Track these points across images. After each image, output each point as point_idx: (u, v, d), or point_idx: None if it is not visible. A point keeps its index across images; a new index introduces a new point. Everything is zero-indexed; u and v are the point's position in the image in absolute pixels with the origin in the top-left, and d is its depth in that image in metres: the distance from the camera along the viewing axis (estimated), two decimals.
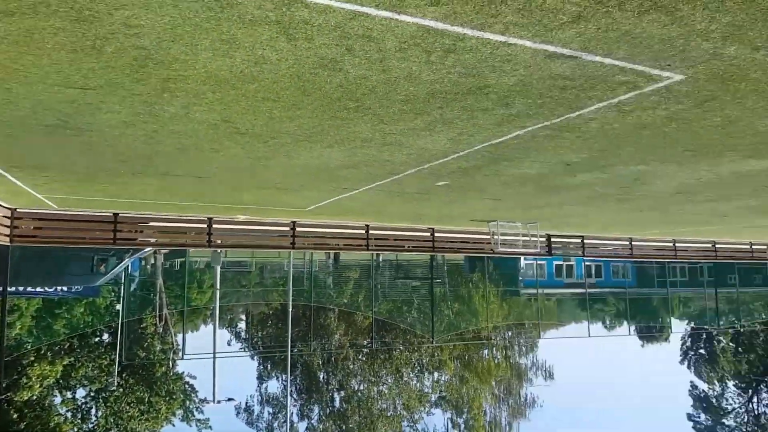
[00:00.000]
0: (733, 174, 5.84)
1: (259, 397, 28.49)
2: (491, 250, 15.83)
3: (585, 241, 17.22)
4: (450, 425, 29.57)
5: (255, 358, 29.44)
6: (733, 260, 19.91)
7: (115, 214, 12.15)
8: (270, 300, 30.31)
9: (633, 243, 17.51)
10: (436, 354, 30.39)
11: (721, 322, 33.70)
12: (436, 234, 15.54)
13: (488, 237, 15.79)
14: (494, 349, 33.01)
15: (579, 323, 34.51)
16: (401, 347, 28.74)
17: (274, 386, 28.85)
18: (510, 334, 33.93)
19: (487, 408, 30.84)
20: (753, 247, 18.95)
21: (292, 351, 22.27)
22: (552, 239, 16.70)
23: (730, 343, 36.41)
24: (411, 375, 30.26)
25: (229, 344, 28.88)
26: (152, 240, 13.67)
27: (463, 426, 29.81)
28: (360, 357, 29.88)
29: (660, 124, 4.05)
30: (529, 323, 33.55)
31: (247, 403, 28.10)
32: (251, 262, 29.89)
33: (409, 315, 28.95)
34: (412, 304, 29.11)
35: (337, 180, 7.42)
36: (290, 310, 21.42)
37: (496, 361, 32.71)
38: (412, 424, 28.52)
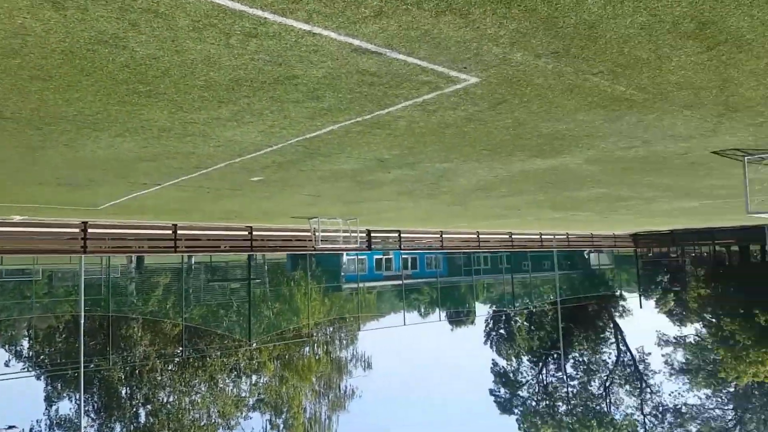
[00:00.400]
0: (522, 172, 6.46)
1: (48, 421, 25.15)
2: (313, 247, 15.82)
3: (402, 235, 18.07)
4: (269, 426, 29.11)
5: (42, 377, 25.86)
6: (526, 249, 22.54)
7: None
8: (60, 312, 26.81)
9: (444, 236, 18.84)
10: (255, 356, 29.64)
11: (517, 304, 38.10)
12: (254, 232, 15.06)
13: (309, 234, 15.77)
14: (315, 345, 33.27)
15: (397, 313, 36.41)
16: (217, 353, 27.47)
17: (66, 407, 25.61)
18: (331, 329, 34.48)
19: (307, 405, 31.01)
20: (542, 237, 21.63)
21: (87, 366, 19.93)
22: (372, 234, 17.24)
23: (525, 323, 41.29)
24: (227, 381, 29.10)
25: (7, 365, 24.97)
26: None
27: (282, 426, 29.55)
28: (169, 367, 27.88)
29: (461, 124, 4.26)
30: (350, 317, 34.45)
31: (32, 429, 24.62)
32: (36, 270, 26.13)
33: (227, 319, 27.79)
34: (231, 307, 28.00)
35: (134, 174, 6.69)
36: (82, 321, 19.12)
37: (317, 357, 32.97)
38: (228, 431, 27.47)
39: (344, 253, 30.89)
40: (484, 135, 4.63)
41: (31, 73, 3.22)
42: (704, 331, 33.03)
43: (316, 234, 13.61)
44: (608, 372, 38.58)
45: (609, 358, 39.45)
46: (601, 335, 39.80)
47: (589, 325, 39.16)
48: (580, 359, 39.51)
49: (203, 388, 28.40)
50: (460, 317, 39.63)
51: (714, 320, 30.24)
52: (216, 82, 3.39)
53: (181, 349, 27.05)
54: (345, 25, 2.56)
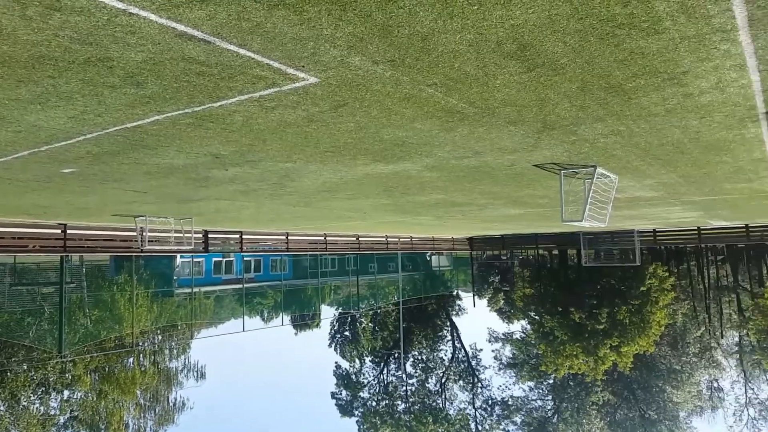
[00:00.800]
0: (366, 175, 6.52)
1: None
2: (139, 248, 14.62)
3: (244, 236, 17.44)
4: None
5: None
6: (373, 251, 23.06)
7: None
8: None
9: (289, 237, 18.54)
10: (68, 369, 26.64)
11: (362, 306, 38.90)
12: (69, 231, 13.47)
13: (136, 234, 14.52)
14: (141, 355, 30.89)
15: (237, 319, 35.19)
16: (21, 367, 24.20)
17: None
18: (160, 337, 32.26)
19: (130, 420, 28.72)
20: (388, 239, 22.27)
21: None
22: (210, 235, 16.39)
23: (369, 324, 42.29)
24: (32, 398, 25.79)
25: None
26: None
27: None
28: None
29: (302, 124, 4.14)
30: (183, 324, 32.51)
31: None
32: None
33: (35, 327, 24.58)
34: (41, 315, 24.82)
35: None
36: None
37: (142, 369, 30.63)
38: None
39: (178, 255, 29.11)
40: (327, 136, 4.55)
41: None
42: (529, 327, 36.51)
43: (143, 234, 12.55)
44: (444, 369, 41.02)
45: (445, 355, 42.03)
46: (439, 333, 42.23)
47: (428, 324, 41.33)
48: (419, 357, 41.54)
49: (1, 408, 24.83)
50: (305, 321, 39.45)
51: (537, 318, 33.54)
52: (12, 57, 2.88)
53: None
54: (166, 8, 2.30)
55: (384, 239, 22.29)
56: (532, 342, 34.27)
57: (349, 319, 42.12)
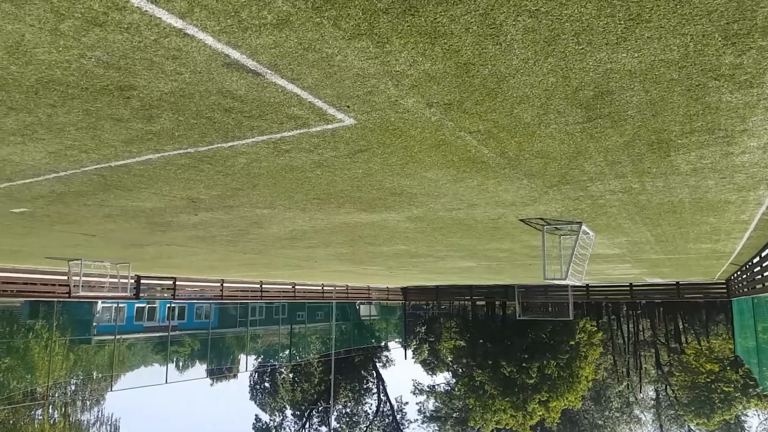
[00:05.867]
0: (342, 224, 6.32)
1: None
2: (68, 293, 13.49)
3: (177, 282, 16.53)
4: None
5: None
6: (307, 300, 22.46)
7: None
8: None
9: (224, 284, 17.75)
10: None
11: (284, 356, 37.52)
12: None
13: (63, 277, 13.41)
14: (51, 407, 28.15)
15: (154, 368, 32.93)
16: None
17: None
18: (74, 388, 29.65)
19: None
20: (324, 287, 21.78)
21: None
22: (142, 281, 15.40)
23: (289, 374, 40.72)
24: None
25: None
26: None
27: None
28: None
29: (307, 169, 3.94)
30: (99, 374, 30.08)
31: None
32: None
33: None
34: None
35: None
36: None
37: (51, 422, 27.88)
38: None
39: (99, 301, 27.18)
40: (325, 184, 4.36)
41: None
42: (453, 380, 36.35)
43: (76, 278, 11.61)
44: (369, 423, 39.93)
45: (371, 408, 40.98)
46: (366, 386, 41.26)
47: (354, 375, 40.36)
48: (344, 411, 40.29)
49: None
50: (223, 371, 37.51)
51: (465, 370, 33.43)
52: (14, 80, 2.54)
53: None
54: (231, 30, 2.10)
55: (320, 287, 21.82)
56: (457, 395, 34.09)
57: (269, 370, 40.48)
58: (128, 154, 3.70)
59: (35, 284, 13.27)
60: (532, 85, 2.47)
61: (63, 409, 28.93)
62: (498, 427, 29.60)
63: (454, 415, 34.33)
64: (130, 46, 2.22)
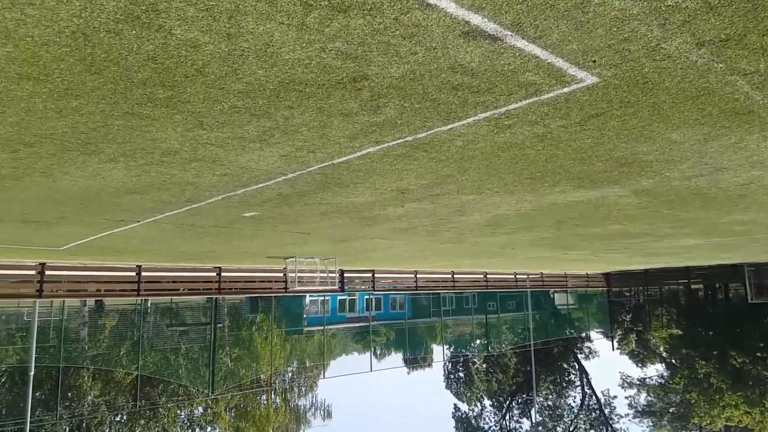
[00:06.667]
0: (551, 205, 5.94)
1: None
2: (285, 288, 14.90)
3: (375, 275, 17.34)
4: None
5: None
6: (500, 289, 22.12)
7: None
8: (3, 357, 24.62)
9: (418, 275, 18.20)
10: (209, 407, 27.85)
11: (475, 346, 37.44)
12: (222, 273, 14.06)
13: (279, 274, 14.86)
14: (273, 393, 31.63)
15: (355, 356, 35.17)
16: (170, 404, 25.61)
17: None
18: (290, 375, 32.98)
19: None
20: (516, 276, 21.26)
21: (30, 420, 18.03)
22: (345, 274, 16.45)
23: (483, 365, 40.54)
24: None
25: None
26: None
27: None
28: (119, 420, 25.85)
29: (527, 145, 3.68)
30: (311, 363, 33.05)
31: None
32: None
33: (180, 366, 26.04)
34: (188, 354, 26.28)
35: (114, 210, 5.82)
36: (32, 374, 17.36)
37: (274, 407, 31.29)
38: None
39: (307, 294, 29.80)
40: (543, 160, 4.06)
41: (21, 69, 2.45)
42: (668, 372, 32.97)
43: (291, 275, 12.75)
44: (573, 416, 38.07)
45: (574, 401, 39.04)
46: (567, 378, 39.42)
47: (554, 367, 38.78)
48: (545, 403, 38.92)
49: None
50: (419, 361, 38.64)
51: (684, 362, 30.10)
52: (260, 85, 2.69)
53: (132, 402, 25.12)
54: None
55: (513, 276, 21.28)
56: (675, 388, 30.72)
57: (462, 360, 40.67)
58: (350, 150, 3.79)
59: (254, 281, 14.89)
60: None
61: (283, 395, 32.33)
62: (729, 424, 26.15)
63: (671, 410, 31.16)
64: (370, 29, 2.18)
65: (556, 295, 38.33)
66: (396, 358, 36.50)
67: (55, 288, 11.10)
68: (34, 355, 17.09)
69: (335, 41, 2.27)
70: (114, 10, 2.02)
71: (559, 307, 39.83)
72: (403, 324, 34.41)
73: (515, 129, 3.35)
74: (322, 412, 33.68)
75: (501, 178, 4.67)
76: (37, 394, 22.34)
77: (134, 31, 2.18)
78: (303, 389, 33.33)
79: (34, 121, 3.08)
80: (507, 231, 8.18)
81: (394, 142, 3.62)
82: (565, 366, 39.88)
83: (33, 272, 10.59)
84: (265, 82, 2.67)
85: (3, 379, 24.45)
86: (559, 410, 38.47)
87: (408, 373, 38.07)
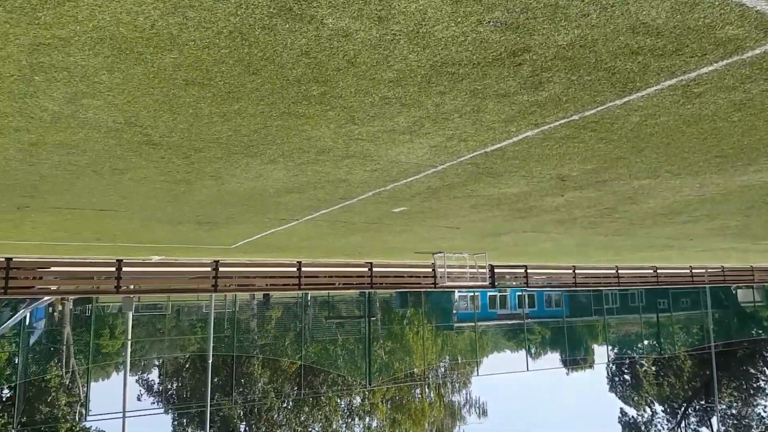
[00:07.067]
0: (742, 187, 5.12)
1: None
2: (434, 284, 14.89)
3: (528, 270, 16.67)
4: None
5: (169, 413, 26.72)
6: (674, 285, 20.06)
7: (8, 259, 10.26)
8: (187, 346, 27.88)
9: (576, 271, 17.15)
10: (367, 398, 28.91)
11: (642, 347, 34.43)
12: (374, 268, 14.42)
13: (427, 270, 14.86)
14: (427, 387, 31.94)
15: (508, 354, 34.22)
16: (330, 393, 27.04)
17: None
18: (443, 371, 33.07)
19: None
20: (693, 271, 19.14)
21: (210, 404, 20.17)
22: (495, 270, 16.01)
23: (651, 367, 37.19)
24: (340, 422, 28.56)
25: (139, 399, 26.12)
26: (52, 288, 11.75)
27: None
28: (286, 406, 27.86)
29: (718, 116, 3.14)
30: (463, 359, 32.87)
31: None
32: (167, 305, 27.50)
33: (338, 357, 27.37)
34: (344, 345, 27.57)
35: (275, 209, 6.13)
36: (210, 361, 19.36)
37: (429, 401, 31.57)
38: None
39: (456, 290, 29.66)
40: (740, 133, 3.45)
41: (187, 75, 2.57)
42: None
43: (440, 270, 12.66)
44: (764, 428, 33.52)
45: (765, 411, 34.30)
46: (755, 384, 34.77)
47: (738, 372, 34.42)
48: (729, 412, 34.71)
49: (317, 429, 28.10)
50: (579, 361, 36.51)
51: None
52: (411, 71, 2.55)
53: (297, 389, 26.99)
54: None
55: (688, 271, 19.13)
56: None
57: (627, 362, 37.61)
58: (505, 135, 3.53)
59: (403, 276, 15.05)
60: None
61: (437, 390, 32.57)
62: None
63: None
64: None
65: (739, 291, 33.94)
66: (552, 357, 34.91)
67: (227, 283, 12.20)
68: (211, 344, 19.07)
69: (494, 10, 2.05)
70: (268, 4, 2.00)
71: (743, 305, 35.23)
72: (560, 322, 32.73)
73: (706, 97, 2.85)
74: (477, 410, 33.39)
75: (684, 157, 4.07)
76: (215, 380, 24.94)
77: (287, 25, 2.15)
78: (456, 385, 33.32)
79: (201, 127, 3.26)
80: (685, 219, 7.28)
81: (557, 123, 3.29)
82: (753, 371, 35.21)
83: (208, 269, 11.72)
84: (416, 68, 2.52)
85: (187, 365, 27.70)
86: (746, 420, 34.08)
87: (567, 373, 36.24)
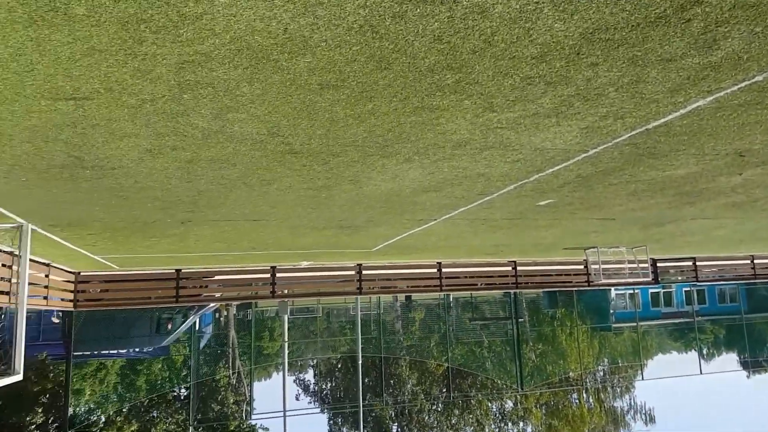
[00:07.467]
0: None
1: None
2: (587, 282, 13.95)
3: (697, 263, 14.98)
4: None
5: (325, 412, 28.08)
6: None
7: (177, 271, 11.46)
8: (338, 347, 29.14)
9: (755, 261, 15.09)
10: (519, 402, 27.94)
11: None
12: (518, 267, 13.84)
13: (579, 267, 13.94)
14: (585, 392, 30.06)
15: (675, 356, 31.18)
16: (480, 396, 26.51)
17: None
18: (602, 375, 30.93)
19: None
20: None
21: (362, 404, 20.79)
22: (657, 264, 14.59)
23: None
24: (493, 427, 27.89)
25: (297, 399, 27.76)
26: (216, 295, 12.93)
27: None
28: (435, 408, 27.86)
29: None
30: (624, 362, 30.49)
31: None
32: (317, 308, 29.02)
33: (485, 359, 26.75)
34: (491, 347, 26.91)
35: (412, 210, 6.05)
36: (360, 362, 19.98)
37: (588, 407, 29.67)
38: None
39: (612, 288, 27.64)
40: None
41: (321, 79, 2.53)
42: None
43: (594, 266, 11.77)
44: None
45: None
46: None
47: None
48: None
49: None
50: (759, 363, 32.03)
51: None
52: (557, 43, 2.28)
53: (446, 392, 26.91)
54: None
55: None
56: None
57: None
58: (671, 108, 3.08)
59: (551, 275, 14.25)
60: None
61: (596, 395, 30.58)
62: None
63: None
64: None
65: None
66: (729, 358, 31.06)
67: (370, 285, 12.47)
68: (360, 345, 19.65)
69: None
70: None
71: None
72: (737, 319, 29.06)
73: None
74: (643, 416, 30.82)
75: None
76: (366, 380, 25.71)
77: (418, 10, 2.01)
78: (618, 390, 31.04)
79: (337, 131, 3.24)
80: None
81: (735, 87, 2.79)
82: None
83: (353, 272, 12.07)
84: (562, 38, 2.25)
85: (339, 366, 28.93)
86: None
87: (747, 376, 32.08)
